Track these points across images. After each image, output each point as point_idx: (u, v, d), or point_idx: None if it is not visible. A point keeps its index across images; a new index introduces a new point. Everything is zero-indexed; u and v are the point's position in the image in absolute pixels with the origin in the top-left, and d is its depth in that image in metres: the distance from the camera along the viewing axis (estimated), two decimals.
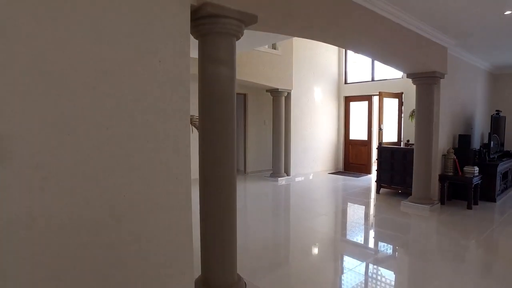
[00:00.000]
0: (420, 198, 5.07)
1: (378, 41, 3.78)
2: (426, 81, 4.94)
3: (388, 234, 4.20)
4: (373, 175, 8.26)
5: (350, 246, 3.84)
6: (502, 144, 6.84)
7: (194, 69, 2.20)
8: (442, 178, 5.26)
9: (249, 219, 4.74)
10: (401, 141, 7.74)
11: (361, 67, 8.74)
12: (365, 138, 8.55)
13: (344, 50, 8.91)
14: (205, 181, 2.41)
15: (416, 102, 5.17)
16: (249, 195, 6.41)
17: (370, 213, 5.20)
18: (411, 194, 5.42)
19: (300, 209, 5.31)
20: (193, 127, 3.36)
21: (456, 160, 5.22)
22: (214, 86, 2.36)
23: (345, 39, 3.81)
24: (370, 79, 8.41)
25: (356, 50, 4.74)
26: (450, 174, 5.24)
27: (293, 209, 5.44)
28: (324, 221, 4.73)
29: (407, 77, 5.18)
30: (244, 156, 8.53)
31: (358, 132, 8.76)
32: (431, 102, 4.99)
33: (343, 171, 8.95)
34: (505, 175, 6.06)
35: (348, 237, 4.11)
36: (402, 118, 7.70)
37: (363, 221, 4.76)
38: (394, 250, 3.71)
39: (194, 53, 2.16)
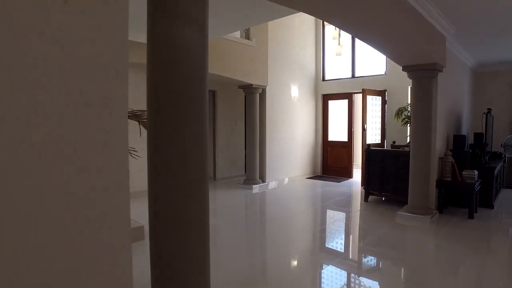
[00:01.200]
0: (418, 207, 4.44)
1: (377, 16, 3.05)
2: (425, 74, 4.32)
3: (389, 256, 3.48)
4: (355, 180, 7.67)
5: (344, 278, 3.07)
6: (487, 145, 6.47)
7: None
8: (440, 184, 4.67)
9: (220, 244, 3.85)
10: (384, 142, 7.19)
11: (340, 63, 8.13)
12: (345, 139, 7.94)
13: (321, 44, 8.27)
14: (157, 197, 1.52)
15: (413, 98, 4.55)
16: (219, 207, 5.51)
17: (362, 228, 4.48)
18: (405, 202, 4.80)
19: (279, 227, 4.48)
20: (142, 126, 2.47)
21: (455, 164, 4.65)
22: (180, 60, 1.47)
23: (341, 16, 3.06)
24: (351, 76, 7.81)
25: (351, 28, 3.88)
26: (448, 179, 4.67)
27: (271, 227, 4.60)
28: (308, 242, 3.95)
29: (402, 70, 4.53)
30: (214, 160, 7.60)
31: (337, 133, 8.13)
32: (430, 98, 4.38)
33: (322, 175, 8.29)
34: (496, 178, 5.63)
35: (342, 264, 3.34)
36: (386, 118, 7.16)
37: (356, 239, 4.04)
38: (401, 280, 2.99)
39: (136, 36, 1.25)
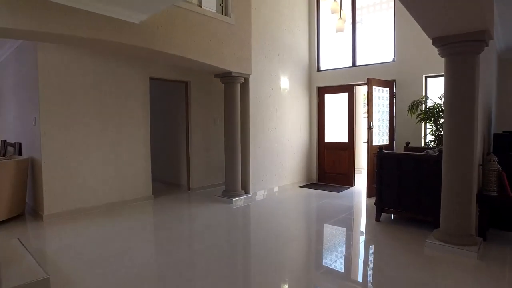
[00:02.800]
0: (456, 233, 3.19)
1: None
2: (468, 48, 3.07)
3: None
4: (358, 188, 6.41)
5: None
6: None
7: None
8: (482, 199, 3.43)
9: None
10: (393, 143, 5.95)
11: (338, 50, 6.88)
12: (345, 140, 6.68)
13: (315, 27, 7.00)
14: None
15: (448, 84, 3.27)
16: (194, 228, 4.18)
17: (378, 267, 3.17)
18: (432, 223, 3.56)
19: (265, 265, 3.16)
20: None
21: (504, 174, 3.41)
22: None
23: None
24: (351, 65, 6.55)
25: None
26: (494, 193, 3.42)
27: (254, 264, 3.28)
28: None
29: (433, 44, 3.26)
30: (187, 166, 6.26)
31: (336, 133, 6.86)
32: (473, 83, 3.13)
33: (318, 182, 7.01)
34: None
35: None
36: (395, 113, 5.91)
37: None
38: None
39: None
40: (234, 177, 5.42)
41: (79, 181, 4.63)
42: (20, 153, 5.21)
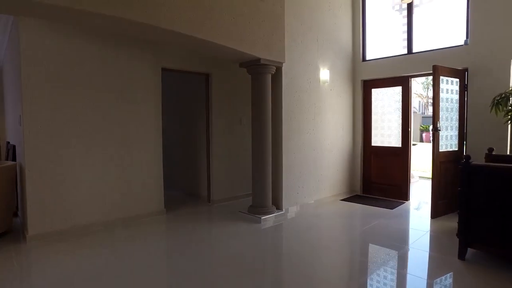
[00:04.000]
0: None
1: None
2: None
3: None
4: (414, 203, 5.22)
5: None
6: None
7: None
8: None
9: None
10: (464, 148, 4.69)
11: (387, 35, 5.69)
12: (397, 144, 5.47)
13: (361, 9, 5.84)
14: None
15: None
16: (214, 260, 3.18)
17: None
18: None
19: None
20: None
21: None
22: None
23: None
24: (406, 52, 5.34)
25: None
26: None
27: None
28: None
29: None
30: (208, 174, 5.31)
31: (385, 135, 5.67)
32: None
33: (362, 194, 5.85)
34: None
35: None
36: (467, 111, 4.65)
37: None
38: None
39: None
40: (263, 190, 4.40)
41: (72, 193, 3.78)
42: (14, 158, 4.47)
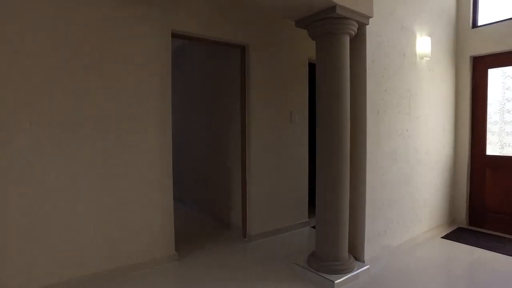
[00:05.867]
0: None
1: None
2: None
3: None
4: None
5: None
6: None
7: None
8: None
9: None
10: None
11: None
12: None
13: None
14: None
15: None
16: None
17: None
18: None
19: None
20: None
21: None
22: None
23: None
24: None
25: None
26: None
27: None
28: None
29: None
30: (243, 196, 3.60)
31: (509, 139, 3.70)
32: None
33: (469, 227, 3.90)
34: None
35: None
36: None
37: None
38: None
39: None
40: (335, 233, 2.60)
41: (35, 233, 2.21)
42: None
